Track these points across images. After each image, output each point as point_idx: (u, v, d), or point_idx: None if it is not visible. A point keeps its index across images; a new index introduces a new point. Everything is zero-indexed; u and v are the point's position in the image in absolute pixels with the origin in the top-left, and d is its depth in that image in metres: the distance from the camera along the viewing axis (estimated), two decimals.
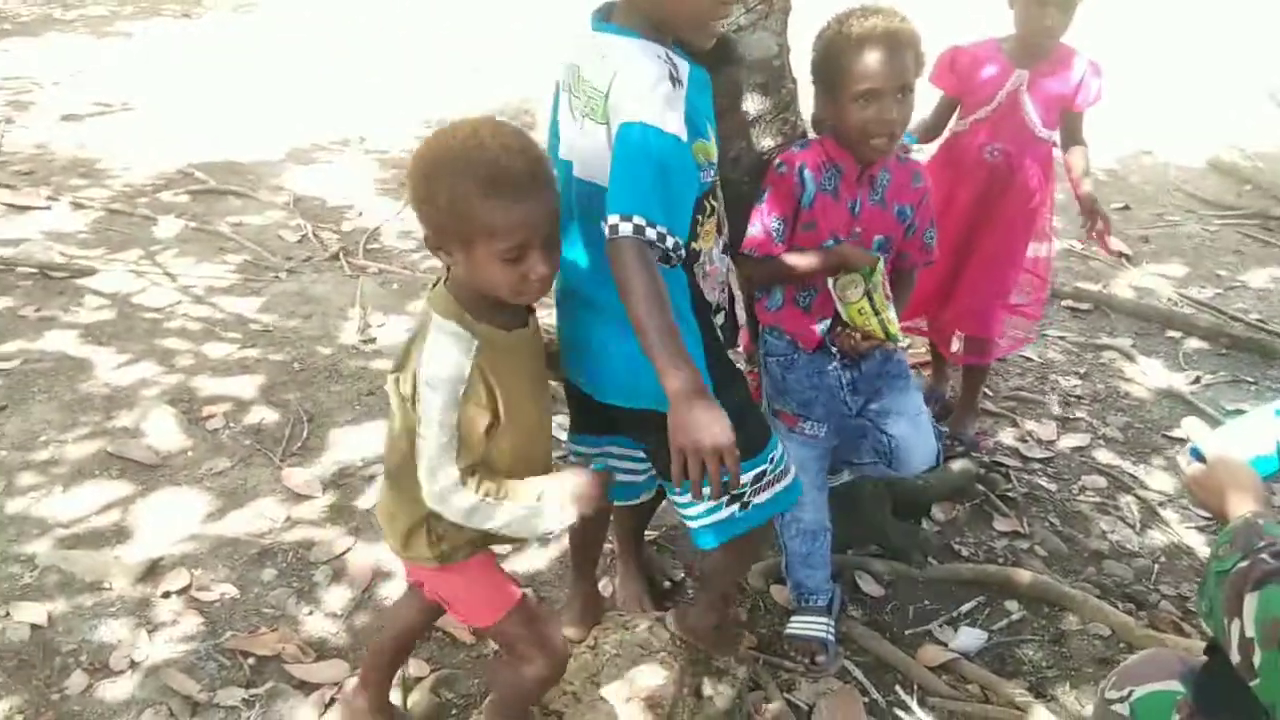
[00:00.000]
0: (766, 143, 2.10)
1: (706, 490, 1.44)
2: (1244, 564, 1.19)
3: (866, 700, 2.15)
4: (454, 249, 1.47)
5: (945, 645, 2.32)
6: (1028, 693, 2.15)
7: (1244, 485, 1.27)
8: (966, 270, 2.90)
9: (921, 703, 2.15)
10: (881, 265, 2.07)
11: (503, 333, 1.54)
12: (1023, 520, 2.77)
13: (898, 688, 2.19)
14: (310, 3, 8.76)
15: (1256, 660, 1.13)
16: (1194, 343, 3.77)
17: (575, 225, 1.69)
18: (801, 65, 2.10)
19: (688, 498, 1.68)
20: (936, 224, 2.75)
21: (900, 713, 2.13)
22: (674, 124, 1.51)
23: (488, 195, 1.40)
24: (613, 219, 1.46)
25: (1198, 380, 3.51)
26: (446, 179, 1.41)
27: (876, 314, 2.04)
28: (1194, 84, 6.72)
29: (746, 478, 1.77)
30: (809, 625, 2.29)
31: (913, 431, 2.24)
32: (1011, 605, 2.45)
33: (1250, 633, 1.15)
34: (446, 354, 1.47)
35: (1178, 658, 1.43)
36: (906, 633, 2.37)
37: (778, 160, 2.09)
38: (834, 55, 1.98)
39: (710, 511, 1.79)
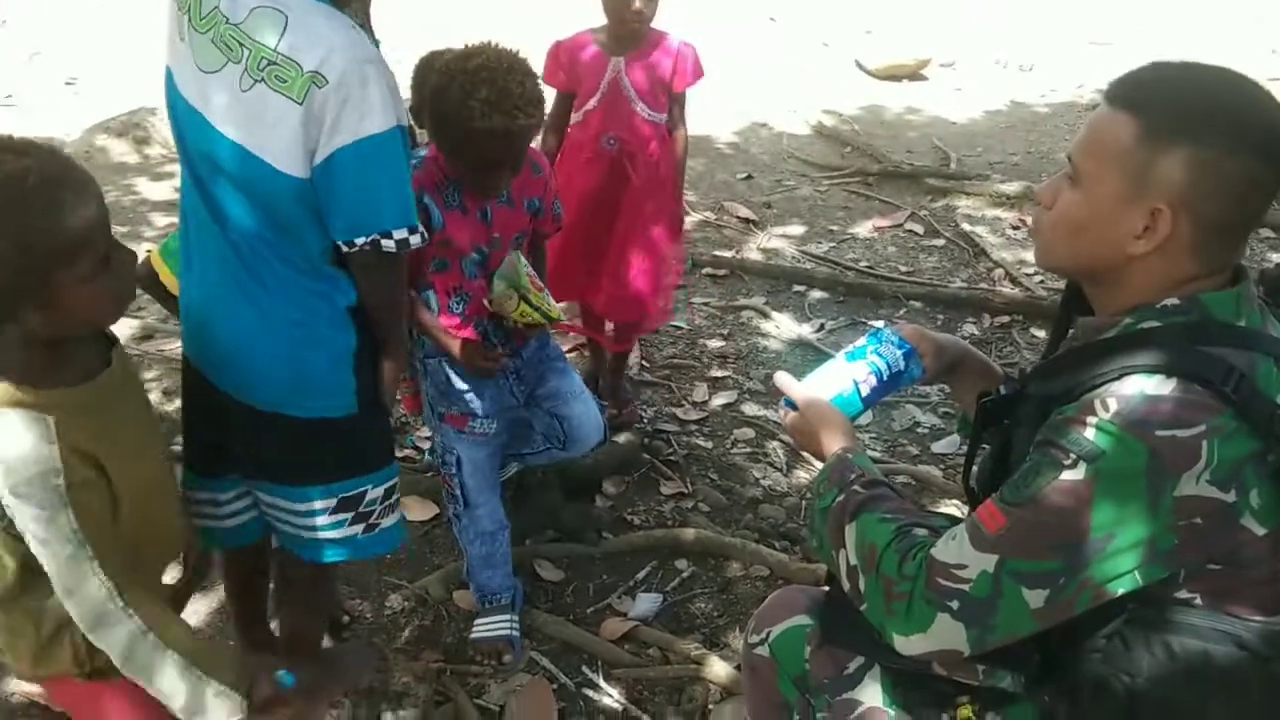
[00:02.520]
0: None
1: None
2: (841, 498, 1.31)
3: (555, 686, 2.18)
4: (26, 304, 1.21)
5: (625, 615, 2.40)
6: (702, 645, 2.28)
7: (832, 424, 1.40)
8: (608, 260, 2.95)
9: (607, 677, 2.21)
10: (525, 265, 2.09)
11: (85, 387, 1.30)
12: (686, 481, 2.93)
13: (584, 668, 2.24)
14: None
15: (862, 586, 1.25)
16: (816, 293, 4.14)
17: (232, 202, 1.52)
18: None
19: (311, 506, 1.69)
20: (579, 220, 2.80)
21: (588, 691, 2.18)
22: (404, 110, 1.49)
23: (58, 208, 1.17)
24: (399, 233, 1.51)
25: (822, 327, 3.87)
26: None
27: (536, 309, 2.07)
28: (793, 59, 7.37)
29: (377, 492, 1.74)
30: (493, 625, 2.29)
31: (583, 409, 2.31)
32: (682, 563, 2.58)
33: (853, 561, 1.26)
34: (18, 450, 1.21)
35: (803, 593, 1.55)
36: (589, 611, 2.43)
37: None
38: (451, 128, 1.93)
39: (334, 526, 1.72)
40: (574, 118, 2.88)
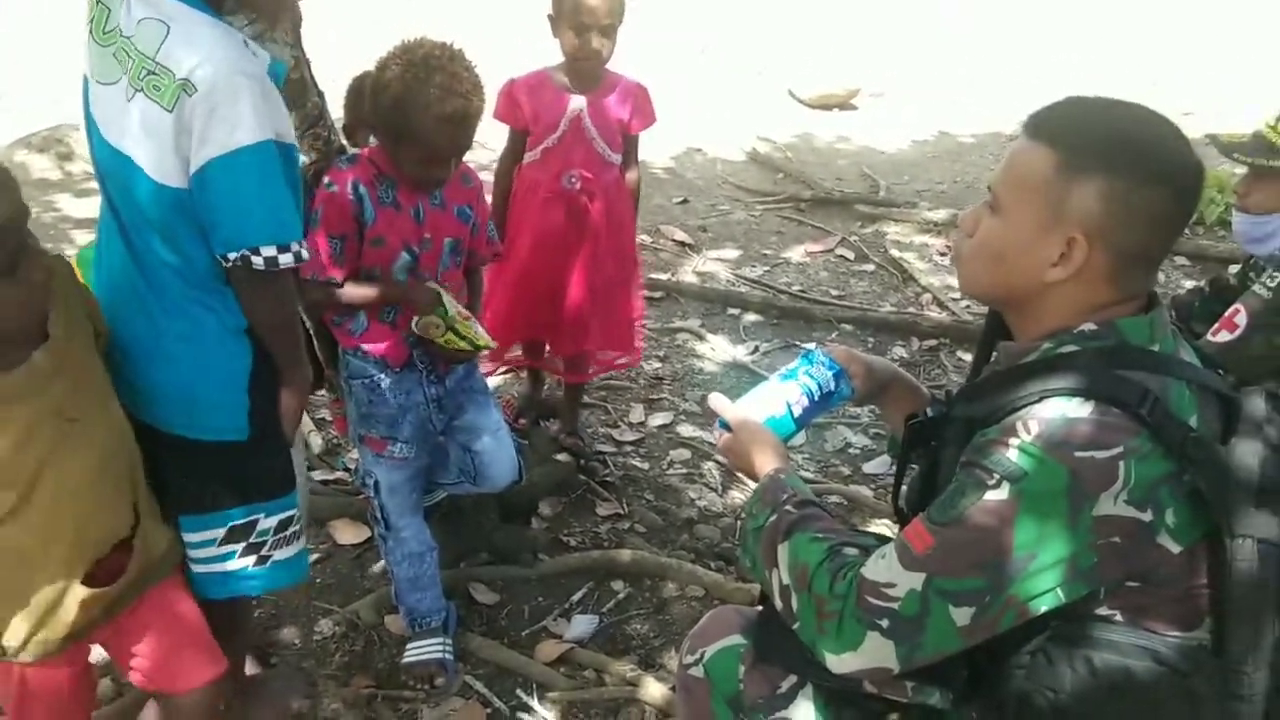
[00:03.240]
0: (301, 160, 2.02)
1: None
2: (773, 518, 1.33)
3: (489, 711, 2.16)
4: None
5: (560, 637, 2.39)
6: (638, 666, 2.28)
7: (765, 445, 1.42)
8: (568, 298, 2.89)
9: (542, 700, 2.20)
10: (448, 299, 2.08)
11: None
12: (622, 502, 2.93)
13: (519, 691, 2.22)
14: None
15: (794, 605, 1.26)
16: (751, 317, 4.19)
17: (128, 213, 1.50)
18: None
19: (201, 536, 1.63)
20: (537, 260, 2.80)
21: (523, 715, 2.16)
22: (287, 126, 1.47)
23: None
24: (268, 250, 1.46)
25: (757, 349, 3.92)
26: None
27: (463, 338, 2.07)
28: (728, 86, 7.48)
29: (270, 522, 1.68)
30: (425, 649, 2.26)
31: (495, 446, 2.29)
32: (618, 584, 2.58)
33: (786, 580, 1.28)
34: None
35: (737, 613, 1.56)
36: (524, 633, 2.41)
37: (326, 179, 2.03)
38: (405, 117, 1.92)
39: (222, 558, 1.65)
40: (529, 156, 2.81)
